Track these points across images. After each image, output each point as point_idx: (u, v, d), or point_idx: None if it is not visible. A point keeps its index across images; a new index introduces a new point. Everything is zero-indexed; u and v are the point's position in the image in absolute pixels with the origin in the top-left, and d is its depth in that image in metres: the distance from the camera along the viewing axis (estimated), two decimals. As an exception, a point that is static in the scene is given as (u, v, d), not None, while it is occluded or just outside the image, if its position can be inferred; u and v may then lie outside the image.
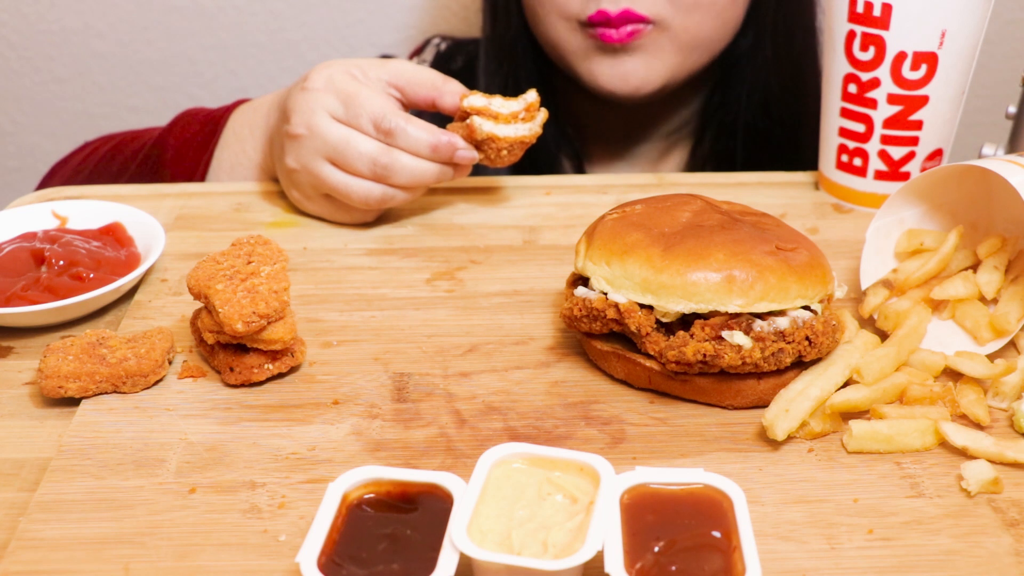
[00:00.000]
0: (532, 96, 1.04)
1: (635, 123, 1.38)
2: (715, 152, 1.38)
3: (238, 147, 1.16)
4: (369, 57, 1.07)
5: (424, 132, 0.99)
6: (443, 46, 1.48)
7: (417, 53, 1.50)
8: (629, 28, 1.18)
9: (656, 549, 0.60)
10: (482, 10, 1.36)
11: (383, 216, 1.10)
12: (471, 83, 1.07)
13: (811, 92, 1.13)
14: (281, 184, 1.10)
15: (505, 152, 1.03)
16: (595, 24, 1.19)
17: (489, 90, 1.31)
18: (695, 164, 1.40)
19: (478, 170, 1.36)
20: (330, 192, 1.03)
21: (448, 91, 1.04)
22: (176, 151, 1.18)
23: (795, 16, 1.31)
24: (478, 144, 1.02)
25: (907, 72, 1.02)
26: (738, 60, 1.32)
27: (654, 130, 1.39)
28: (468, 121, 1.02)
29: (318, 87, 1.01)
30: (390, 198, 1.02)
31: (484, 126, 1.01)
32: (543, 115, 1.04)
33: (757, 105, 1.34)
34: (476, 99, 1.03)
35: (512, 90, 1.28)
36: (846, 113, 1.08)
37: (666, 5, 1.18)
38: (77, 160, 1.27)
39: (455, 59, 1.46)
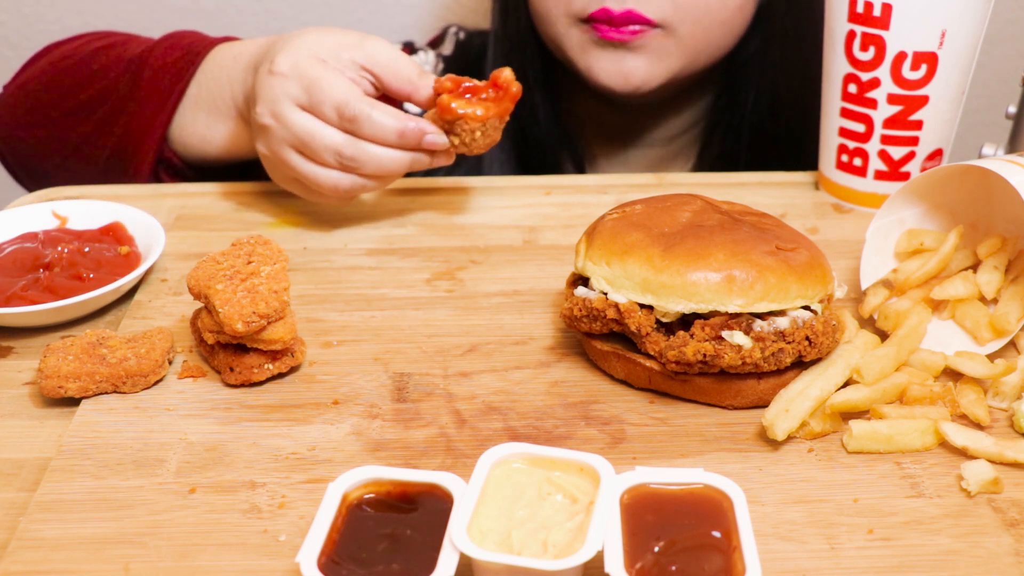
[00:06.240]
0: (507, 73, 0.99)
1: (639, 126, 1.37)
2: (720, 155, 1.37)
3: (216, 88, 1.11)
4: (351, 31, 1.02)
5: (390, 118, 0.96)
6: (462, 35, 1.46)
7: (437, 42, 1.47)
8: (632, 28, 1.17)
9: (656, 549, 0.60)
10: (492, 6, 1.35)
11: (383, 216, 1.10)
12: (480, 77, 1.03)
13: (818, 95, 1.12)
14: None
15: (479, 133, 0.99)
16: (596, 20, 1.17)
17: None
18: (699, 168, 1.39)
19: (475, 168, 1.36)
20: (299, 180, 1.01)
21: (423, 85, 1.00)
22: (154, 73, 1.14)
23: (805, 19, 1.28)
24: (450, 127, 0.99)
25: (907, 72, 1.02)
26: (745, 63, 1.31)
27: (658, 133, 1.38)
28: (438, 101, 0.99)
29: (283, 71, 0.97)
30: (360, 187, 1.00)
31: (453, 104, 0.97)
32: (516, 89, 0.99)
33: (764, 108, 1.32)
34: (445, 81, 0.99)
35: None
36: (846, 113, 1.08)
37: (672, 10, 1.17)
38: (72, 46, 1.22)
39: (470, 50, 1.43)
